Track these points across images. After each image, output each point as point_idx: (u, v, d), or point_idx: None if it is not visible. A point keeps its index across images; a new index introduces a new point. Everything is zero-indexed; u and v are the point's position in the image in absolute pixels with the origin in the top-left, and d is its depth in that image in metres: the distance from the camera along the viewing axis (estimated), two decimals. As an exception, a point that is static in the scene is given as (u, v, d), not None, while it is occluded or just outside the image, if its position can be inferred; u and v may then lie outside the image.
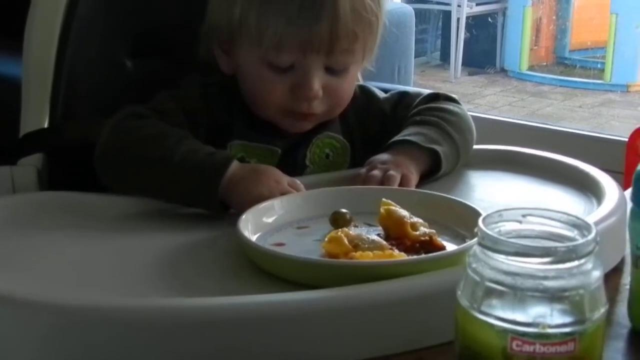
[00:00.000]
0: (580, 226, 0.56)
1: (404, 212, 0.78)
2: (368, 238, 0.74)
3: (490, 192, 0.97)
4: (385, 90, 1.15)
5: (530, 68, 4.60)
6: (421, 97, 1.09)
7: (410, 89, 1.18)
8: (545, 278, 0.52)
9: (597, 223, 0.77)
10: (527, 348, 0.51)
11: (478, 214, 0.77)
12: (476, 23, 4.62)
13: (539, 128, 2.58)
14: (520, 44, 4.56)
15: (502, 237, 0.53)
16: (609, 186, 0.89)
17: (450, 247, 0.76)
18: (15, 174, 1.05)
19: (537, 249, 0.52)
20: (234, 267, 0.76)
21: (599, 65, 4.39)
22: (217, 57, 1.04)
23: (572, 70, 4.54)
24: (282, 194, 0.88)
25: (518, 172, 1.00)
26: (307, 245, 0.78)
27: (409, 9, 2.80)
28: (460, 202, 0.83)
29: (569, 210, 0.86)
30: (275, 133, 1.03)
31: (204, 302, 0.65)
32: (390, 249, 0.73)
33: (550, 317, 0.52)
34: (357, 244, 0.73)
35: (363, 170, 0.96)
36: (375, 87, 1.15)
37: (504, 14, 4.69)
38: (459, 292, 0.55)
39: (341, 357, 0.64)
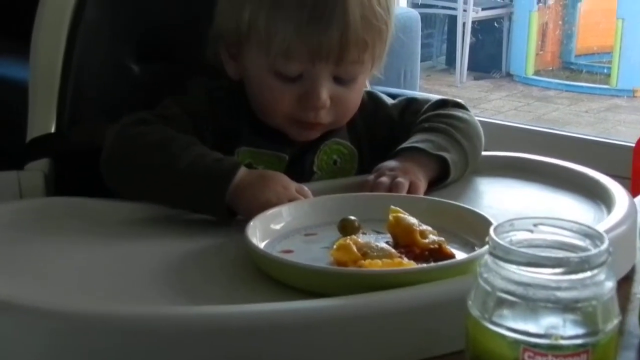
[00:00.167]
0: (593, 236, 0.55)
1: (412, 220, 0.77)
2: (377, 246, 0.74)
3: (499, 199, 0.97)
4: (391, 95, 1.15)
5: (536, 73, 4.59)
6: (429, 103, 1.08)
7: (418, 95, 1.18)
8: (558, 289, 0.51)
9: (607, 231, 0.76)
10: (540, 359, 0.51)
11: (487, 222, 0.77)
12: (482, 27, 4.61)
13: (545, 133, 2.58)
14: (526, 49, 4.55)
15: (513, 247, 0.53)
16: (619, 194, 0.88)
17: (459, 255, 0.75)
18: (22, 179, 1.05)
19: (549, 259, 0.52)
20: (241, 274, 0.75)
21: (605, 70, 4.38)
22: (224, 62, 1.04)
23: (578, 75, 4.53)
24: (290, 200, 0.88)
25: (527, 179, 1.00)
26: (315, 253, 0.78)
27: (415, 13, 2.79)
28: (469, 210, 0.83)
29: (578, 218, 0.86)
30: (282, 139, 1.02)
31: (211, 311, 0.65)
32: (399, 257, 0.72)
33: (562, 328, 0.51)
34: (365, 252, 0.72)
35: (371, 177, 0.96)
36: (381, 92, 1.14)
37: (509, 19, 4.68)
38: (469, 302, 0.55)
39: (350, 366, 0.64)
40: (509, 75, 4.66)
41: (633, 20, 4.15)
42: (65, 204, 0.94)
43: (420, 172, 0.96)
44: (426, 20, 4.37)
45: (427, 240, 0.75)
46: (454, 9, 4.53)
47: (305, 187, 0.90)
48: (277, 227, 0.83)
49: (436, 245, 0.75)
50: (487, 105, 4.21)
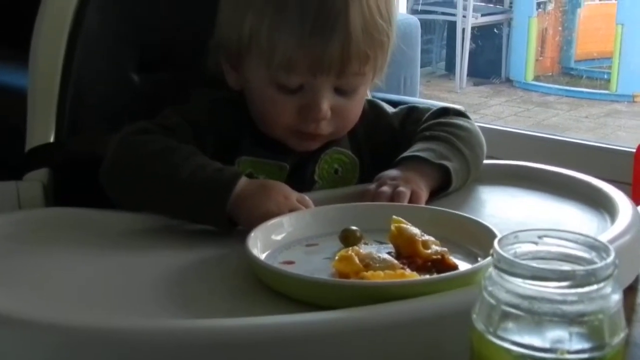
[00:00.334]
0: (598, 248, 0.55)
1: (415, 230, 0.77)
2: (379, 257, 0.73)
3: (501, 208, 0.96)
4: (392, 102, 1.14)
5: (536, 78, 4.59)
6: (430, 111, 1.08)
7: (419, 103, 1.17)
8: (564, 302, 0.51)
9: (611, 241, 0.76)
10: (545, 374, 0.50)
11: (490, 232, 0.77)
12: (481, 33, 4.61)
13: (545, 139, 2.57)
14: (525, 55, 4.54)
15: (518, 260, 0.52)
16: (622, 202, 0.87)
17: (462, 266, 0.75)
18: (21, 189, 1.04)
19: (554, 272, 0.51)
20: (242, 286, 0.75)
21: (604, 76, 4.37)
22: (225, 72, 1.03)
23: (578, 81, 4.53)
24: (291, 210, 0.87)
25: (529, 188, 0.99)
26: (316, 264, 0.77)
27: (415, 20, 2.79)
28: (472, 220, 0.82)
29: (581, 227, 0.86)
30: (283, 149, 1.02)
31: (212, 324, 0.64)
32: (402, 268, 0.72)
33: (568, 342, 0.50)
34: (368, 263, 0.72)
35: (372, 186, 0.95)
36: (381, 99, 1.14)
37: (509, 25, 4.68)
38: (474, 316, 0.54)
39: (353, 379, 0.63)
40: (508, 80, 4.66)
41: (633, 25, 4.15)
42: (65, 214, 0.94)
43: (422, 181, 0.95)
44: (425, 26, 4.38)
45: (429, 251, 0.75)
46: (453, 15, 4.53)
47: (306, 197, 0.90)
48: (278, 237, 0.82)
49: (439, 256, 0.74)
50: (486, 111, 4.21)
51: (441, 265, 0.74)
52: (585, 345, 0.50)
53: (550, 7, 4.67)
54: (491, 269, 0.54)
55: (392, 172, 0.96)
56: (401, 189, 0.92)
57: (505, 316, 0.52)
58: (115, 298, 0.74)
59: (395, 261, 0.73)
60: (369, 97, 1.12)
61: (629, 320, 0.73)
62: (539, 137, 2.59)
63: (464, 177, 1.00)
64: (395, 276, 0.69)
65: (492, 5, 4.95)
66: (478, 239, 0.78)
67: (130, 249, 0.85)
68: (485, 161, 1.04)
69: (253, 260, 0.75)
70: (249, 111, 1.03)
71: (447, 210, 0.86)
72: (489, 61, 4.67)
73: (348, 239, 0.80)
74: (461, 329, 0.55)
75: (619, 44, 4.17)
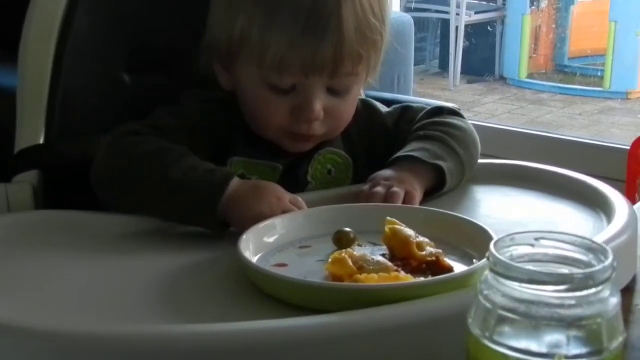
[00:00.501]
0: (596, 250, 0.54)
1: (409, 232, 0.76)
2: (373, 259, 0.72)
3: (496, 208, 0.95)
4: (385, 100, 1.13)
5: (530, 76, 4.59)
6: (424, 111, 1.07)
7: (413, 101, 1.16)
8: (561, 306, 0.50)
9: (608, 241, 0.76)
10: (543, 379, 0.49)
11: (485, 233, 0.76)
12: (475, 31, 4.61)
13: (538, 136, 2.57)
14: (519, 52, 4.54)
15: (514, 264, 0.51)
16: (618, 202, 0.86)
17: (457, 267, 0.74)
18: (10, 192, 1.03)
19: (552, 275, 0.50)
20: (235, 289, 0.74)
21: (598, 73, 4.38)
22: (217, 73, 1.02)
23: (571, 78, 4.53)
24: (284, 211, 0.86)
25: (525, 187, 0.98)
26: (309, 266, 0.76)
27: (408, 18, 2.78)
28: (467, 220, 0.81)
29: (577, 227, 0.85)
30: (276, 150, 1.01)
31: (203, 329, 0.63)
32: (396, 270, 0.71)
33: (566, 347, 0.49)
34: (361, 266, 0.71)
35: (366, 186, 0.94)
36: (375, 97, 1.13)
37: (502, 22, 4.68)
38: (469, 320, 0.53)
39: (347, 384, 0.62)
40: (502, 78, 4.66)
41: (626, 22, 4.16)
42: (55, 217, 0.92)
43: (416, 181, 0.94)
44: (419, 24, 4.37)
45: (424, 253, 0.74)
46: (446, 12, 4.53)
47: (299, 198, 0.89)
48: (271, 239, 0.81)
49: (433, 258, 0.73)
50: (480, 109, 4.21)
51: (436, 267, 0.73)
52: (583, 349, 0.50)
53: (543, 4, 4.67)
54: (487, 272, 0.53)
55: (386, 172, 0.96)
56: (395, 189, 0.91)
57: (502, 320, 0.51)
58: (105, 303, 0.73)
59: (390, 263, 0.72)
60: (362, 96, 1.11)
61: (626, 321, 0.72)
62: (533, 135, 2.59)
63: (459, 176, 0.99)
64: (390, 279, 0.68)
65: (485, 2, 4.95)
66: (473, 240, 0.77)
67: (122, 253, 0.84)
68: (480, 160, 1.03)
69: (245, 263, 0.74)
70: (241, 112, 1.02)
71: (441, 210, 0.86)
72: (482, 59, 4.67)
73: (341, 240, 0.79)
74: (457, 332, 0.54)
75: (612, 41, 4.17)
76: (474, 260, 0.75)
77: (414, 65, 2.88)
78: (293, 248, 0.81)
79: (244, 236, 0.78)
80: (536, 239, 0.55)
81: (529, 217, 0.91)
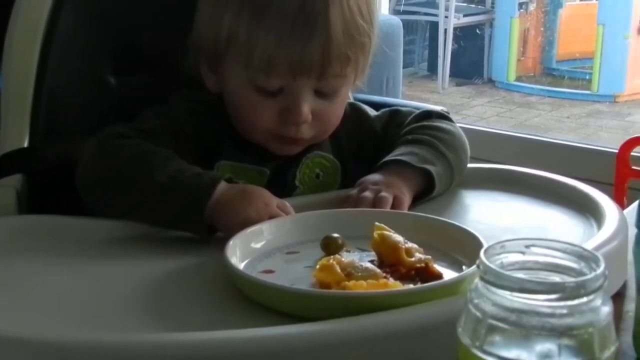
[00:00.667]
0: (587, 258, 0.53)
1: (398, 238, 0.75)
2: (361, 266, 0.71)
3: (486, 213, 0.95)
4: (374, 103, 1.13)
5: (518, 79, 4.59)
6: (413, 115, 1.06)
7: (402, 106, 1.16)
8: (552, 315, 0.49)
9: (598, 247, 0.75)
10: (534, 390, 0.49)
11: (475, 239, 0.75)
12: (463, 34, 4.61)
13: (527, 139, 2.57)
14: (507, 55, 4.55)
15: (505, 272, 0.50)
16: (609, 208, 0.86)
17: (447, 274, 0.73)
18: (-7, 196, 1.02)
19: (543, 284, 0.49)
20: (221, 295, 0.73)
21: (586, 76, 4.39)
22: (204, 75, 1.01)
23: (559, 81, 4.54)
24: (271, 216, 0.85)
25: (515, 192, 0.97)
26: (297, 273, 0.75)
27: (397, 20, 2.78)
28: (457, 226, 0.81)
29: (568, 233, 0.85)
30: (264, 153, 1.00)
31: (188, 338, 0.62)
32: (385, 277, 0.70)
33: (557, 357, 0.49)
34: (350, 272, 0.70)
35: (354, 191, 0.93)
36: (363, 100, 1.12)
37: (491, 25, 4.68)
38: (459, 329, 0.52)
39: (335, 393, 0.61)
40: (490, 81, 4.66)
41: (613, 26, 4.17)
42: (39, 222, 0.91)
43: (405, 185, 0.94)
44: (408, 26, 4.36)
45: (413, 259, 0.73)
46: (435, 15, 4.53)
47: (286, 203, 0.88)
48: (258, 245, 0.80)
49: (423, 264, 0.72)
50: (469, 112, 4.21)
51: (425, 273, 0.72)
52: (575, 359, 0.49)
53: (532, 7, 4.67)
54: (477, 281, 0.52)
55: (374, 177, 0.95)
56: (383, 194, 0.90)
57: (492, 330, 0.50)
58: (89, 310, 0.71)
59: (378, 270, 0.71)
60: (351, 99, 1.10)
61: (617, 328, 0.71)
62: (521, 138, 2.59)
63: (448, 181, 0.98)
64: (378, 286, 0.67)
65: (474, 5, 4.95)
66: (462, 246, 0.76)
67: (106, 258, 0.83)
68: (469, 165, 1.03)
69: (231, 270, 0.73)
70: (229, 114, 1.01)
71: (430, 216, 0.85)
72: (471, 62, 4.67)
73: (329, 246, 0.78)
74: (446, 340, 0.54)
75: (600, 44, 4.18)
76: (464, 267, 0.74)
77: (403, 67, 2.88)
78: (280, 254, 0.80)
79: (230, 242, 0.77)
80: (527, 247, 0.55)
81: (519, 223, 0.90)
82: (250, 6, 0.92)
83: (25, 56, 1.08)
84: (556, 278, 0.52)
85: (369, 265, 0.72)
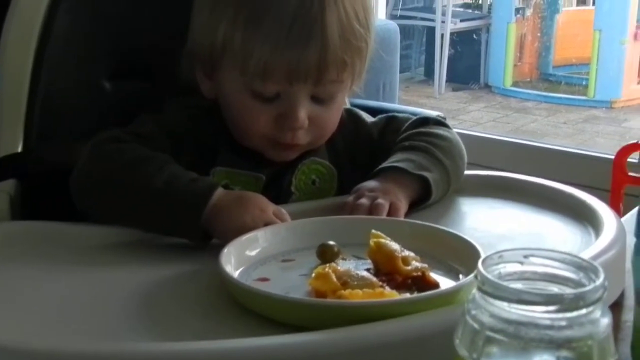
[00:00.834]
0: (586, 268, 0.52)
1: (394, 246, 0.74)
2: (357, 274, 0.70)
3: (483, 221, 0.94)
4: (370, 109, 1.12)
5: (515, 84, 4.60)
6: (410, 121, 1.05)
7: (398, 111, 1.15)
8: (551, 327, 0.48)
9: (596, 256, 0.74)
10: (532, 403, 0.48)
11: (472, 247, 0.75)
12: (460, 39, 4.61)
13: (523, 145, 2.57)
14: (504, 60, 4.55)
15: (503, 283, 0.49)
16: (607, 216, 0.85)
17: (443, 283, 0.72)
18: (-14, 201, 1.01)
19: (542, 296, 0.49)
20: (216, 304, 0.72)
21: (583, 82, 4.39)
22: (199, 81, 1.00)
23: (556, 87, 4.54)
24: (267, 223, 0.84)
25: (512, 200, 0.97)
26: (293, 281, 0.74)
27: (394, 25, 2.77)
28: (453, 234, 0.80)
29: (565, 241, 0.84)
30: (260, 159, 0.99)
31: (181, 348, 0.61)
32: (381, 286, 0.69)
33: (556, 369, 0.48)
34: (345, 281, 0.69)
35: (350, 198, 0.92)
36: (360, 105, 1.12)
37: (488, 30, 4.68)
38: (457, 341, 0.51)
39: (330, 404, 0.60)
40: (487, 86, 4.67)
41: (610, 31, 4.17)
42: (33, 228, 0.90)
43: (401, 192, 0.93)
44: (404, 31, 4.37)
45: (409, 268, 0.72)
46: (432, 20, 4.54)
47: (283, 210, 0.87)
48: (253, 253, 0.80)
49: (419, 273, 0.72)
50: (465, 117, 4.21)
51: (422, 282, 0.71)
52: (574, 372, 0.48)
53: (528, 13, 4.68)
54: (475, 291, 0.51)
55: (371, 184, 0.94)
56: (380, 201, 0.89)
57: (490, 341, 0.49)
58: (81, 318, 0.71)
59: (374, 279, 0.70)
60: (347, 105, 1.10)
61: (615, 338, 0.70)
62: (518, 144, 2.59)
63: (444, 188, 0.97)
64: (374, 295, 0.67)
65: (470, 11, 4.96)
66: (459, 255, 0.76)
67: (100, 265, 0.82)
68: (466, 172, 1.02)
69: (226, 278, 0.72)
70: (224, 120, 1.00)
71: (427, 224, 0.84)
72: (467, 67, 4.67)
73: (325, 254, 0.77)
74: (443, 350, 0.53)
75: (596, 50, 4.19)
76: (460, 276, 0.73)
77: (400, 72, 2.87)
78: (276, 262, 0.80)
79: (225, 249, 0.76)
80: (525, 257, 0.54)
81: (516, 231, 0.90)
82: (246, 12, 0.92)
83: (20, 59, 1.08)
84: (555, 289, 0.52)
85: (365, 273, 0.71)
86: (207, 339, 0.63)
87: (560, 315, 0.48)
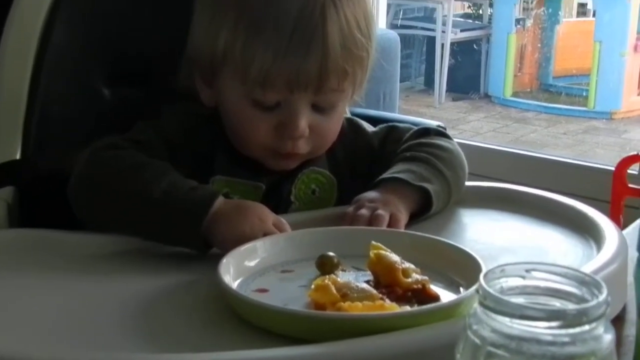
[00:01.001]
0: (589, 283, 0.51)
1: (395, 258, 0.74)
2: (357, 286, 0.70)
3: (484, 233, 0.93)
4: (371, 118, 1.11)
5: (515, 94, 4.60)
6: (411, 132, 1.05)
7: (398, 120, 1.15)
8: (553, 344, 0.47)
9: (598, 270, 0.74)
10: (534, 420, 0.47)
11: (473, 260, 0.74)
12: (460, 49, 4.62)
13: (523, 155, 2.57)
14: (504, 70, 4.55)
15: (505, 298, 0.49)
16: (608, 229, 0.85)
17: (444, 295, 0.71)
18: (-16, 209, 1.00)
19: (544, 311, 0.48)
20: (213, 316, 0.71)
21: (583, 93, 4.39)
22: (199, 88, 1.00)
23: (556, 97, 4.55)
24: (266, 233, 0.84)
25: (513, 211, 0.96)
26: (292, 292, 0.74)
27: (394, 35, 2.78)
28: (454, 246, 0.79)
29: (566, 254, 0.84)
30: (259, 168, 0.98)
31: (180, 359, 0.61)
32: (381, 298, 0.68)
33: (558, 386, 0.47)
34: (345, 293, 0.68)
35: (350, 208, 0.92)
36: (360, 114, 1.11)
37: (488, 41, 4.69)
38: (458, 356, 0.51)
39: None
40: (487, 96, 4.67)
41: (610, 42, 4.18)
42: (30, 236, 0.90)
43: (401, 203, 0.92)
44: (405, 40, 4.37)
45: (410, 280, 0.72)
46: (432, 30, 4.54)
47: (283, 220, 0.86)
48: (252, 263, 0.79)
49: (420, 286, 0.71)
50: (465, 127, 4.21)
51: (422, 295, 0.70)
52: (576, 389, 0.47)
53: (528, 23, 4.68)
54: (476, 306, 0.50)
55: (371, 194, 0.93)
56: (380, 212, 0.89)
57: (491, 357, 0.49)
58: (77, 329, 0.70)
59: (374, 291, 0.69)
60: (348, 114, 1.09)
61: (617, 353, 0.70)
62: (517, 154, 2.59)
63: (445, 199, 0.97)
64: (374, 308, 0.66)
65: (471, 21, 4.96)
66: (460, 267, 0.75)
67: (97, 274, 0.82)
68: (467, 183, 1.02)
69: (224, 289, 0.71)
70: (224, 128, 1.00)
71: (427, 235, 0.83)
72: (467, 77, 4.67)
73: (325, 265, 0.77)
74: (444, 364, 0.52)
75: (596, 61, 4.19)
76: (461, 289, 0.73)
77: (400, 82, 2.87)
78: (275, 272, 0.79)
79: (224, 260, 0.76)
80: (527, 271, 0.53)
81: (517, 243, 0.89)
82: (246, 21, 0.91)
83: (18, 67, 1.07)
84: (557, 303, 0.51)
85: (365, 286, 0.71)
86: (205, 351, 0.62)
87: (563, 331, 0.48)
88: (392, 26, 4.33)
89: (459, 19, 4.85)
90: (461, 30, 4.61)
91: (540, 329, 0.48)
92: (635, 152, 2.09)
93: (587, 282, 0.52)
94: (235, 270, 0.76)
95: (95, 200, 0.90)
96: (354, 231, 0.85)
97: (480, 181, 1.04)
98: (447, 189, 0.97)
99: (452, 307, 0.67)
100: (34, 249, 0.87)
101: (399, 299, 0.70)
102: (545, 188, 1.00)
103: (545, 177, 2.33)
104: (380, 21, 3.27)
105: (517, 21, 4.62)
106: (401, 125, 1.08)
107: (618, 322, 0.76)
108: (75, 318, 0.72)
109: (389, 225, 0.88)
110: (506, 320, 0.48)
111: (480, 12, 4.98)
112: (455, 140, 1.05)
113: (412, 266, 0.74)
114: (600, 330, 0.49)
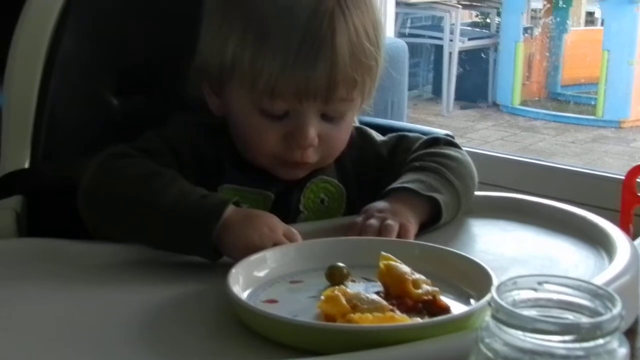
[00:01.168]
0: (602, 296, 0.51)
1: (405, 268, 0.73)
2: (367, 297, 0.69)
3: (494, 243, 0.92)
4: (379, 126, 1.11)
5: (523, 103, 4.59)
6: (420, 141, 1.04)
7: (407, 129, 1.14)
8: (567, 358, 0.47)
9: (610, 281, 0.73)
10: None
11: (484, 271, 0.73)
12: (468, 57, 4.61)
13: (532, 164, 2.56)
14: (512, 79, 4.54)
15: (518, 311, 0.48)
16: (620, 239, 0.84)
17: (454, 307, 0.71)
18: (-8, 218, 1.00)
19: (558, 325, 0.48)
20: (222, 326, 0.71)
21: (591, 101, 4.38)
22: (207, 98, 1.00)
23: (564, 106, 4.54)
24: (275, 243, 0.83)
25: (523, 222, 0.95)
26: (301, 303, 0.73)
27: (402, 43, 2.77)
28: (464, 257, 0.79)
29: (578, 265, 0.83)
30: (268, 177, 0.98)
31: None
32: (391, 310, 0.68)
33: (572, 401, 0.47)
34: (355, 304, 0.68)
35: (359, 218, 0.91)
36: (368, 123, 1.11)
37: (496, 49, 4.68)
38: (470, 369, 0.50)
39: None
40: (495, 105, 4.66)
41: (619, 51, 4.17)
42: (38, 245, 0.89)
43: (411, 214, 0.92)
44: (413, 49, 4.37)
45: (420, 291, 0.71)
46: (440, 38, 4.54)
47: (294, 230, 0.85)
48: (261, 274, 0.78)
49: (430, 297, 0.70)
50: (473, 135, 4.20)
51: (432, 306, 0.70)
52: (590, 404, 0.47)
53: (536, 32, 4.68)
54: (488, 319, 0.50)
55: (380, 204, 0.93)
56: (389, 222, 0.88)
57: (504, 371, 0.48)
58: (84, 339, 0.69)
59: (385, 302, 0.69)
60: (357, 124, 1.09)
61: (629, 366, 0.69)
62: (526, 163, 2.58)
63: (455, 209, 0.96)
64: (385, 319, 0.66)
65: (479, 29, 4.96)
66: (470, 278, 0.74)
67: (105, 284, 0.81)
68: (477, 193, 1.01)
69: (233, 300, 0.71)
70: (232, 138, 0.99)
71: (437, 246, 0.83)
72: (475, 85, 4.67)
73: (334, 276, 0.76)
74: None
75: (605, 69, 4.18)
76: (472, 300, 0.72)
77: (408, 90, 2.87)
78: (284, 283, 0.78)
79: (233, 270, 0.75)
80: (539, 283, 0.53)
81: (527, 254, 0.88)
82: (254, 31, 0.91)
83: (27, 75, 1.07)
84: (570, 316, 0.51)
85: (375, 297, 0.70)
86: (213, 363, 0.62)
87: (577, 345, 0.47)
88: (400, 35, 4.33)
89: (466, 27, 4.85)
90: (469, 39, 4.61)
91: (554, 342, 0.47)
92: (644, 161, 2.08)
93: (600, 294, 0.51)
94: (245, 281, 0.76)
95: (105, 209, 0.90)
96: (363, 241, 0.85)
97: (488, 190, 1.04)
98: (456, 199, 0.96)
99: (463, 319, 0.66)
100: (42, 258, 0.86)
101: (410, 311, 0.69)
102: (553, 197, 1.00)
103: (553, 186, 2.32)
104: (389, 30, 3.27)
105: (525, 30, 4.62)
106: (410, 134, 1.07)
107: (630, 334, 0.75)
108: (81, 328, 0.72)
109: (399, 236, 0.88)
110: (519, 333, 0.48)
111: (488, 20, 4.98)
112: (464, 148, 1.04)
113: (423, 277, 0.73)
114: (615, 344, 0.48)
